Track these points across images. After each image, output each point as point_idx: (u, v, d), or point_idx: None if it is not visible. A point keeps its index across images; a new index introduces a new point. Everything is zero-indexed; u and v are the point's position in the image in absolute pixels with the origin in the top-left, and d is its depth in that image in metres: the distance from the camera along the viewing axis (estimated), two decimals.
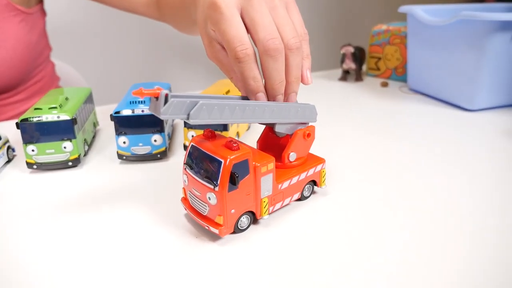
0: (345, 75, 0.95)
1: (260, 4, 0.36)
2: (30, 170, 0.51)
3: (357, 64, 0.91)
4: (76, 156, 0.51)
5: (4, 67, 0.73)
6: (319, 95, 0.86)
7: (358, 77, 0.94)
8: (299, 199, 0.43)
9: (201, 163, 0.36)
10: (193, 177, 0.37)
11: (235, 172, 0.35)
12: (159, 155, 0.53)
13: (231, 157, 0.34)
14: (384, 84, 0.89)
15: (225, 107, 0.35)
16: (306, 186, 0.43)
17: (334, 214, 0.41)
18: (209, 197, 0.35)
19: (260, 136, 0.44)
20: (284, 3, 0.39)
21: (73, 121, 0.50)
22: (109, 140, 0.61)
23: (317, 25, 2.12)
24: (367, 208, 0.42)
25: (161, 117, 0.32)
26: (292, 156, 0.41)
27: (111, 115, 0.51)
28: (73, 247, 0.37)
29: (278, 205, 0.40)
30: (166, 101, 0.31)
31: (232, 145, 0.35)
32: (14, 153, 0.56)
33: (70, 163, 0.51)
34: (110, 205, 0.44)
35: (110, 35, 1.56)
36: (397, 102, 0.80)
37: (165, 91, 0.31)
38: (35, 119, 0.49)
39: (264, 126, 0.44)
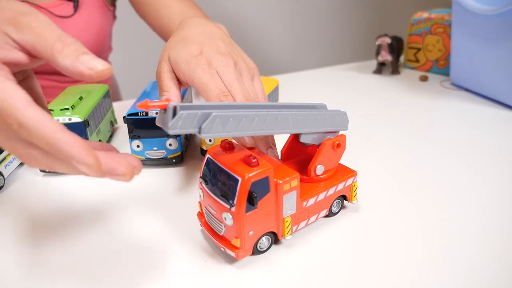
0: (380, 68, 0.89)
1: (236, 72, 0.41)
2: (43, 173, 0.50)
3: (394, 56, 0.85)
4: None
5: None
6: (350, 90, 0.81)
7: (395, 70, 0.88)
8: (326, 216, 0.39)
9: (216, 179, 0.33)
10: (209, 194, 0.34)
11: (254, 191, 0.31)
12: (174, 160, 0.50)
13: (250, 175, 0.31)
14: (424, 78, 0.83)
15: (242, 118, 0.32)
16: (335, 202, 0.39)
17: (366, 233, 0.38)
18: (225, 217, 0.33)
19: (285, 145, 0.41)
20: (251, 74, 0.44)
21: (85, 123, 0.48)
22: (126, 140, 0.59)
23: (350, 11, 2.03)
24: (403, 226, 0.38)
25: (170, 131, 0.28)
26: (320, 170, 0.37)
27: (124, 117, 0.49)
28: (80, 256, 0.35)
29: (302, 224, 0.37)
30: (174, 114, 0.28)
31: (251, 160, 0.32)
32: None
33: None
34: (120, 214, 0.42)
35: (132, 23, 1.54)
36: (438, 99, 0.74)
37: (173, 103, 0.29)
38: None
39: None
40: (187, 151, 0.55)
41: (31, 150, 0.27)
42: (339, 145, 0.38)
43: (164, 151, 0.50)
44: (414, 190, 0.45)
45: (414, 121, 0.64)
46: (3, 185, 0.47)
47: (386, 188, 0.45)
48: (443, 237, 0.37)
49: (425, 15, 0.87)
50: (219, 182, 0.33)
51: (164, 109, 0.29)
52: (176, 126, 0.29)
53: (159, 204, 0.43)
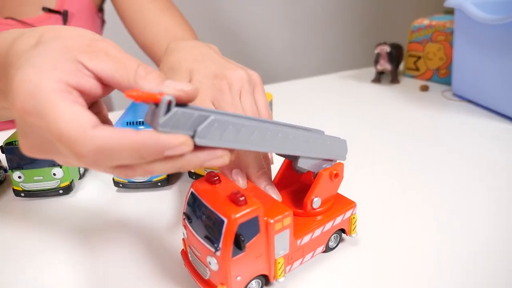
0: (379, 76, 0.86)
1: (231, 96, 0.38)
2: (18, 197, 0.46)
3: (394, 64, 0.82)
4: (67, 183, 0.46)
5: None
6: (348, 99, 0.78)
7: (394, 79, 0.85)
8: (323, 252, 0.36)
9: (201, 218, 0.30)
10: (192, 233, 0.30)
11: (241, 234, 0.28)
12: (159, 183, 0.47)
13: (236, 216, 0.28)
14: (424, 88, 0.80)
15: (242, 127, 0.28)
16: (333, 236, 0.36)
17: (366, 269, 0.34)
18: (209, 262, 0.29)
19: (277, 174, 0.37)
20: (252, 86, 0.41)
21: None
22: None
23: (349, 17, 2.00)
24: (407, 261, 0.35)
25: (159, 129, 0.24)
26: (317, 203, 0.34)
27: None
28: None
29: (297, 263, 0.33)
30: (168, 110, 0.24)
31: (238, 198, 0.28)
32: (7, 173, 0.51)
33: (61, 191, 0.46)
34: (99, 243, 0.39)
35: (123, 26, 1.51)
36: (440, 111, 0.70)
37: (168, 97, 0.24)
38: None
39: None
40: (173, 174, 0.52)
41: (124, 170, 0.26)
42: (336, 175, 0.35)
43: None
44: (417, 216, 0.41)
45: (415, 136, 0.60)
46: None
47: (387, 216, 0.41)
48: (451, 274, 0.33)
49: (425, 22, 0.84)
50: (203, 222, 0.29)
51: (156, 103, 0.25)
52: (168, 124, 0.24)
53: (140, 233, 0.40)
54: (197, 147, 0.25)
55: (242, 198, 0.28)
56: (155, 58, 0.69)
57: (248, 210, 0.28)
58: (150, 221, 0.42)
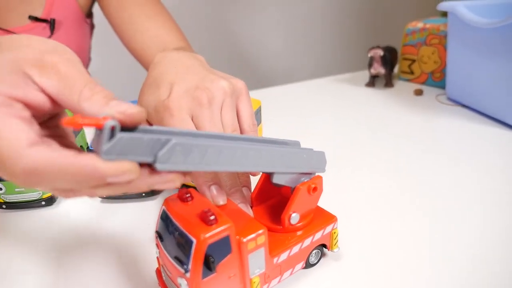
0: (373, 80, 0.84)
1: (210, 111, 0.36)
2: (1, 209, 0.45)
3: (387, 68, 0.81)
4: (49, 194, 0.45)
5: None
6: (341, 104, 0.76)
7: (388, 83, 0.83)
8: (304, 268, 0.35)
9: (171, 237, 0.29)
10: (164, 252, 0.29)
11: (211, 254, 0.27)
12: (143, 194, 0.46)
13: (206, 236, 0.26)
14: (418, 92, 0.78)
15: (208, 149, 0.27)
16: (313, 252, 0.34)
17: (348, 285, 0.33)
18: (180, 283, 0.28)
19: (256, 187, 0.36)
20: (236, 96, 0.39)
21: None
22: None
23: (342, 20, 1.99)
24: (394, 276, 0.33)
25: (103, 157, 0.22)
26: (295, 218, 0.33)
27: (87, 148, 0.44)
28: None
29: (275, 281, 0.32)
30: (112, 135, 0.22)
31: (208, 216, 0.27)
32: None
33: (43, 203, 0.45)
34: (78, 257, 0.38)
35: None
36: (434, 115, 0.69)
37: (111, 122, 0.22)
38: None
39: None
40: None
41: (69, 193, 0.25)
42: (315, 189, 0.34)
43: None
44: (406, 227, 0.40)
45: (408, 142, 0.59)
46: None
47: (374, 230, 0.40)
48: (438, 283, 0.32)
49: (419, 25, 0.82)
50: (174, 241, 0.28)
51: (100, 129, 0.23)
52: (113, 151, 0.22)
53: (121, 249, 0.39)
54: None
55: (212, 217, 0.27)
56: (144, 64, 0.68)
57: (218, 230, 0.27)
58: (133, 234, 0.41)
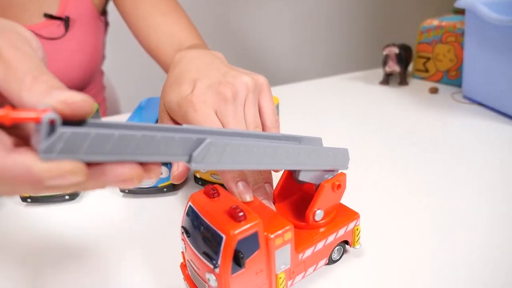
0: (388, 78, 0.83)
1: (234, 106, 0.36)
2: (25, 203, 0.46)
3: (402, 66, 0.80)
4: None
5: (79, 72, 0.71)
6: (355, 102, 0.75)
7: (403, 81, 0.82)
8: (326, 264, 0.34)
9: (199, 232, 0.29)
10: (191, 248, 0.29)
11: (240, 250, 0.27)
12: (165, 189, 0.46)
13: (235, 232, 0.26)
14: (433, 90, 0.77)
15: (240, 148, 0.26)
16: (336, 249, 0.34)
17: (370, 282, 0.33)
18: (208, 278, 0.28)
19: (278, 184, 0.36)
20: (258, 92, 0.39)
21: None
22: None
23: (356, 17, 1.96)
24: (413, 273, 0.33)
25: (42, 156, 0.19)
26: (319, 215, 0.33)
27: None
28: None
29: (299, 277, 0.32)
30: (52, 130, 0.19)
31: (237, 213, 0.27)
32: None
33: (67, 197, 0.45)
34: (101, 250, 0.38)
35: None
36: (449, 114, 0.68)
37: (50, 115, 0.18)
38: None
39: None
40: None
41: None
42: (339, 186, 0.33)
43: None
44: (424, 225, 0.39)
45: (423, 140, 0.58)
46: None
47: (392, 225, 0.40)
48: (457, 284, 0.32)
49: (435, 22, 0.81)
50: (202, 237, 0.28)
51: (37, 123, 0.19)
52: (53, 150, 0.19)
53: (143, 239, 0.39)
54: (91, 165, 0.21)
55: (241, 214, 0.27)
56: (159, 62, 0.68)
57: (247, 226, 0.27)
58: (154, 229, 0.41)
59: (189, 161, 0.24)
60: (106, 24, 0.79)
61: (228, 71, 0.39)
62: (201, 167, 0.24)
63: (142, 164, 0.22)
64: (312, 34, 1.90)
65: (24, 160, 0.19)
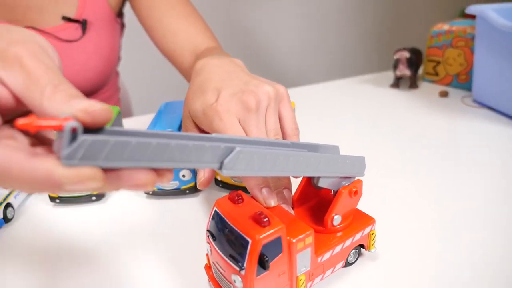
0: (398, 82, 0.84)
1: (257, 115, 0.37)
2: (53, 203, 0.47)
3: (413, 70, 0.80)
4: None
5: (95, 74, 0.72)
6: (367, 104, 0.76)
7: (413, 84, 0.83)
8: (343, 267, 0.36)
9: (225, 236, 0.30)
10: (217, 251, 0.31)
11: (265, 254, 0.28)
12: (187, 191, 0.47)
13: (260, 237, 0.28)
14: (443, 94, 0.78)
15: (266, 156, 0.27)
16: (352, 252, 0.35)
17: (385, 284, 0.34)
18: (234, 280, 0.29)
19: (297, 190, 0.37)
20: (278, 101, 0.40)
21: None
22: None
23: (366, 21, 1.96)
24: (426, 275, 0.34)
25: (64, 162, 0.19)
26: (337, 220, 0.34)
27: None
28: None
29: (317, 279, 0.33)
30: (74, 138, 0.20)
31: (261, 219, 0.28)
32: None
33: (93, 198, 0.47)
34: (126, 250, 0.39)
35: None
36: (459, 117, 0.68)
37: (72, 123, 0.19)
38: None
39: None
40: None
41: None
42: (356, 192, 0.34)
43: (177, 182, 0.47)
44: (435, 228, 0.40)
45: (434, 144, 0.59)
46: (13, 217, 0.45)
47: (404, 228, 0.41)
48: (470, 285, 0.33)
49: (445, 27, 0.81)
50: (228, 240, 0.30)
51: (60, 131, 0.20)
52: (75, 156, 0.19)
53: (167, 244, 0.40)
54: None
55: (265, 219, 0.28)
56: (175, 64, 0.69)
57: (271, 231, 0.28)
58: (177, 230, 0.42)
59: (220, 168, 0.25)
60: (122, 26, 0.80)
61: (250, 80, 0.41)
62: (231, 174, 0.26)
63: (155, 169, 0.23)
64: (320, 36, 1.90)
65: (46, 166, 0.19)
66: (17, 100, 0.22)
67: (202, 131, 0.40)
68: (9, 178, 0.20)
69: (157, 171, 0.22)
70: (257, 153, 0.27)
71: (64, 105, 0.21)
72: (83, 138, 0.19)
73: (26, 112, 0.23)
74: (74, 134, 0.19)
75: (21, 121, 0.19)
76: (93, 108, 0.20)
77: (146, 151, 0.21)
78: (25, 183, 0.20)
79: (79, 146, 0.19)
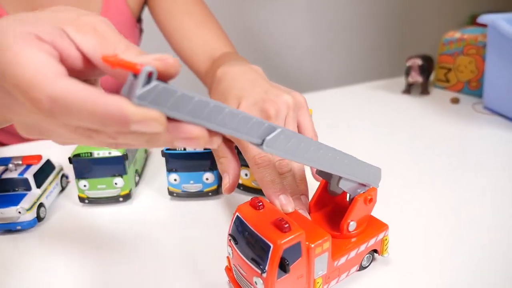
0: (410, 88, 0.84)
1: (276, 124, 0.38)
2: (82, 203, 0.49)
3: (424, 77, 0.80)
4: (127, 191, 0.49)
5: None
6: (379, 110, 0.77)
7: (424, 90, 0.83)
8: (357, 271, 0.37)
9: (247, 241, 0.31)
10: (239, 254, 0.32)
11: (286, 258, 0.29)
12: (210, 194, 0.49)
13: (282, 242, 0.29)
14: (455, 101, 0.78)
15: (302, 142, 0.29)
16: (366, 256, 0.37)
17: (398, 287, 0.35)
18: (255, 282, 0.31)
19: (315, 195, 0.38)
20: (297, 110, 0.41)
21: (124, 157, 0.48)
22: (160, 165, 0.58)
23: (378, 27, 1.95)
24: (437, 279, 0.35)
25: (135, 101, 0.21)
26: (352, 226, 0.35)
27: (162, 151, 0.48)
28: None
29: (333, 282, 0.35)
30: (148, 82, 0.21)
31: (283, 225, 0.30)
32: (68, 180, 0.55)
33: (121, 199, 0.49)
34: (152, 249, 0.41)
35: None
36: (470, 124, 0.69)
37: (149, 67, 0.21)
38: (87, 155, 0.47)
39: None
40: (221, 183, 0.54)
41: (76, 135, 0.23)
42: (371, 200, 0.36)
43: (200, 184, 0.48)
44: (445, 233, 0.41)
45: (447, 151, 0.60)
46: (45, 216, 0.47)
47: (416, 234, 0.42)
48: None
49: (457, 35, 0.81)
50: (250, 245, 0.31)
51: (135, 74, 0.21)
52: (146, 98, 0.21)
53: (192, 246, 0.42)
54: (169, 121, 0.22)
55: (286, 225, 0.30)
56: (193, 69, 0.70)
57: (292, 237, 0.29)
58: (201, 232, 0.44)
59: (261, 144, 0.27)
60: (141, 31, 0.82)
61: (270, 89, 0.42)
62: (270, 151, 0.27)
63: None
64: (332, 43, 1.90)
65: (119, 102, 0.20)
66: (85, 64, 0.24)
67: (225, 138, 0.41)
68: (82, 110, 0.20)
69: (209, 133, 0.24)
70: (295, 137, 0.28)
71: (136, 57, 0.22)
72: (156, 83, 0.21)
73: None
74: (149, 79, 0.21)
75: (105, 55, 0.21)
76: (170, 60, 0.22)
77: (204, 110, 0.23)
78: (96, 116, 0.20)
79: (152, 90, 0.21)
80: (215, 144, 0.24)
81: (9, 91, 0.22)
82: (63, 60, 0.23)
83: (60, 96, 0.20)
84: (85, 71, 0.25)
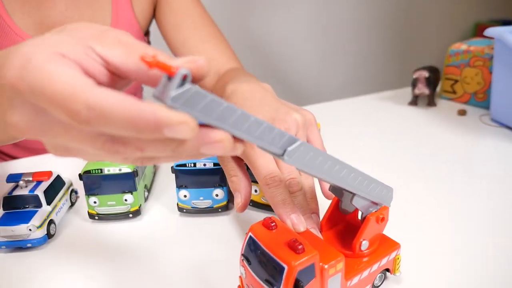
0: (416, 99, 0.84)
1: None
2: (91, 220, 0.49)
3: (431, 88, 0.80)
4: (136, 208, 0.49)
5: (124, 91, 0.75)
6: (386, 122, 0.77)
7: (431, 102, 0.83)
8: None
9: (260, 261, 0.31)
10: (252, 275, 0.32)
11: (300, 279, 0.29)
12: (220, 210, 0.49)
13: (296, 263, 0.29)
14: (462, 112, 0.78)
15: (319, 156, 0.29)
16: (378, 276, 0.36)
17: None
18: None
19: (327, 213, 0.38)
20: (306, 128, 0.41)
21: (134, 173, 0.48)
22: (168, 180, 0.58)
23: (384, 38, 1.95)
24: None
25: (169, 103, 0.21)
26: (364, 245, 0.35)
27: (172, 167, 0.48)
28: None
29: None
30: (182, 85, 0.21)
31: (296, 246, 0.29)
32: (78, 195, 0.55)
33: (130, 215, 0.49)
34: (161, 264, 0.41)
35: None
36: (478, 136, 0.69)
37: (184, 70, 0.21)
38: (97, 171, 0.47)
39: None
40: (232, 201, 0.53)
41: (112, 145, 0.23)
42: (383, 219, 0.35)
43: (210, 201, 0.48)
44: (455, 250, 0.41)
45: (452, 163, 0.59)
46: (55, 232, 0.47)
47: (430, 254, 0.41)
48: None
49: (463, 46, 0.81)
50: (263, 265, 0.31)
51: (170, 76, 0.22)
52: (179, 100, 0.21)
53: (199, 260, 0.42)
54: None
55: (300, 246, 0.29)
56: (199, 84, 0.71)
57: (306, 258, 0.29)
58: (212, 248, 0.44)
59: (282, 154, 0.27)
60: (148, 43, 0.82)
61: (280, 107, 0.42)
62: (290, 162, 0.28)
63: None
64: (337, 54, 1.91)
65: (153, 107, 0.21)
66: (110, 78, 0.25)
67: (236, 157, 0.41)
68: (118, 115, 0.21)
69: (233, 139, 0.24)
70: (314, 151, 0.29)
71: (169, 60, 0.22)
72: (190, 86, 0.21)
73: None
74: (183, 81, 0.21)
75: (145, 56, 0.22)
76: (201, 61, 0.23)
77: (231, 116, 0.23)
78: (131, 122, 0.21)
79: (185, 92, 0.21)
80: (239, 151, 0.25)
81: (44, 110, 0.23)
82: (89, 77, 0.24)
83: (97, 102, 0.21)
84: (109, 86, 0.25)
